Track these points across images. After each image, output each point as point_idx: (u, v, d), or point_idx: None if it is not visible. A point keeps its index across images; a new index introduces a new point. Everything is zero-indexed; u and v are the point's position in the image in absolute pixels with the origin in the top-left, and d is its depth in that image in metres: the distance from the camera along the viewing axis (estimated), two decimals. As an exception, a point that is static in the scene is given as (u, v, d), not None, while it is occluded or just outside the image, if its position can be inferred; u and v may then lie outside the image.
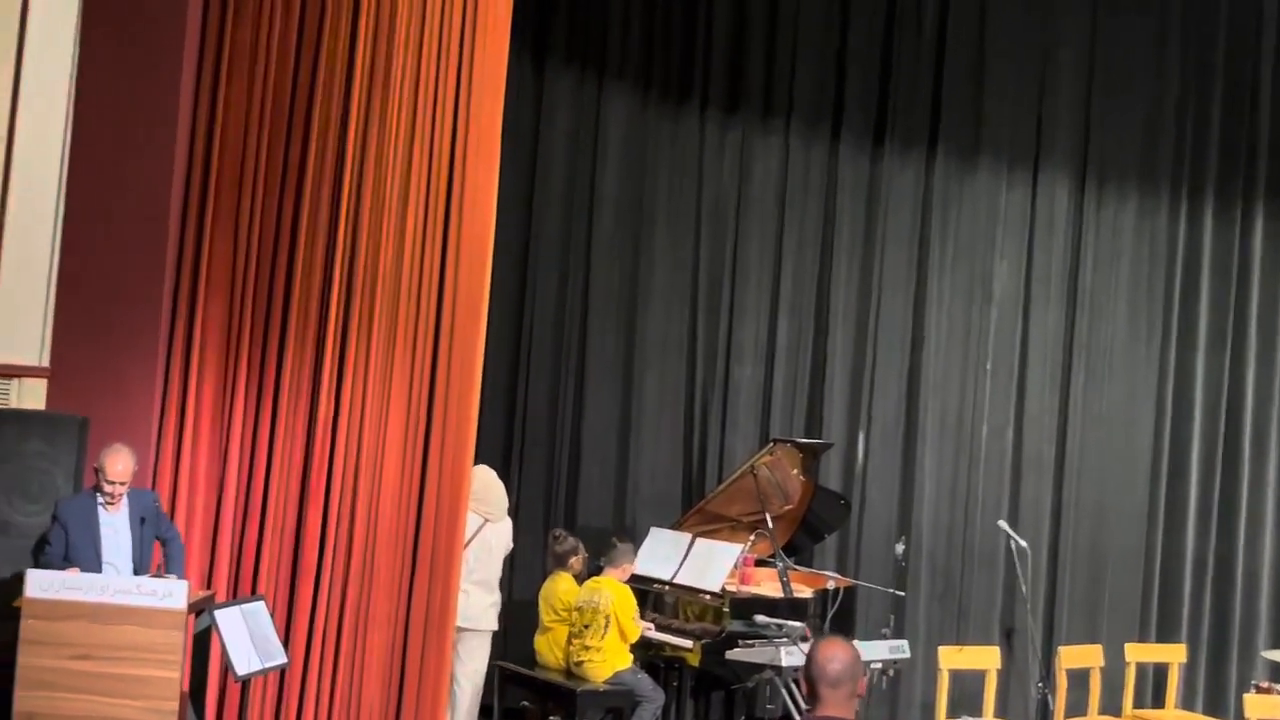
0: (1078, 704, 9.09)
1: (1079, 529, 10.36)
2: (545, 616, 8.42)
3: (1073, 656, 9.04)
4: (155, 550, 7.14)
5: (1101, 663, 9.13)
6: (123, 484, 6.86)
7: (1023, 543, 9.41)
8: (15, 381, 7.71)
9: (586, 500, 9.82)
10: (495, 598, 8.28)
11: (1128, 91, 10.50)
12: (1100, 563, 10.38)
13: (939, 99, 10.29)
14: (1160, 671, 9.72)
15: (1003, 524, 9.53)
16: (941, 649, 8.73)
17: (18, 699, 6.37)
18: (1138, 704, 9.43)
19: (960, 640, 9.76)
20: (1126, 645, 9.39)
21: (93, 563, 6.82)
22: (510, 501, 9.01)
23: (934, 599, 10.12)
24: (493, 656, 8.36)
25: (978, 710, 8.69)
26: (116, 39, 7.82)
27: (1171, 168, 10.61)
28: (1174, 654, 9.58)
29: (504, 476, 9.19)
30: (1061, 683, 8.89)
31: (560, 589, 8.41)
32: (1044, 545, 10.26)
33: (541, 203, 9.79)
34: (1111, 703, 9.23)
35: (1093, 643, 9.54)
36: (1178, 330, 10.59)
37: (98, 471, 6.88)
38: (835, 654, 4.19)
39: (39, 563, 6.78)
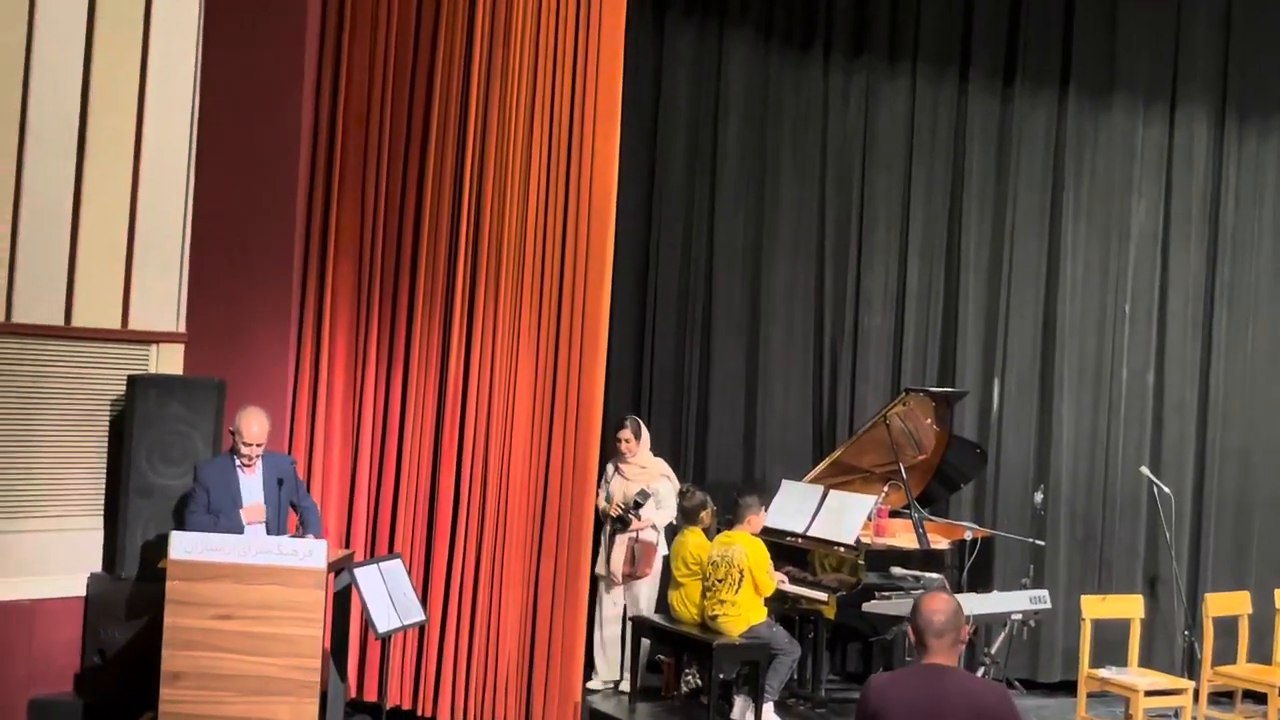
0: (1225, 652, 8.86)
1: (1224, 474, 10.08)
2: (677, 572, 8.40)
3: (1220, 604, 8.82)
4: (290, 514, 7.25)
5: (1250, 610, 8.90)
6: (259, 445, 6.98)
7: (1166, 489, 9.21)
8: (154, 347, 7.88)
9: (716, 454, 9.76)
10: None
11: (1269, 19, 10.09)
12: (1247, 508, 10.09)
13: (1070, 35, 9.99)
14: (1312, 619, 9.44)
15: (1145, 470, 9.34)
16: (1084, 598, 8.58)
17: (165, 658, 6.52)
18: (1288, 652, 9.18)
19: (1102, 589, 9.57)
20: (1276, 591, 9.12)
21: (236, 523, 6.95)
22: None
23: (1074, 548, 9.92)
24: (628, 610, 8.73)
25: (1122, 660, 8.52)
26: (240, 9, 7.91)
27: (1317, 99, 10.22)
28: (1326, 600, 9.31)
29: (633, 431, 9.26)
30: (1208, 631, 8.68)
31: (691, 544, 8.38)
32: (1188, 491, 9.99)
33: (664, 154, 9.72)
34: (1260, 651, 8.98)
35: (1240, 590, 9.29)
36: (1325, 267, 10.23)
37: (234, 434, 6.99)
38: (939, 607, 4.62)
39: (189, 523, 6.91)
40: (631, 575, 8.66)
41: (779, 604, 8.40)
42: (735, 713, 8.19)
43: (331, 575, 6.97)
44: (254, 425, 6.96)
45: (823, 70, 9.89)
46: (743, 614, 8.00)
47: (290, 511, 7.21)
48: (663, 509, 8.76)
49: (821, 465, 9.13)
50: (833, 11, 9.88)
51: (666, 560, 8.74)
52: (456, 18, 7.81)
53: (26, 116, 7.46)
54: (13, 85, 7.42)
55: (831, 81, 9.90)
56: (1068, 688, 9.09)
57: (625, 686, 8.65)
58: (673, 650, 8.66)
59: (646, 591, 8.75)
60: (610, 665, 8.82)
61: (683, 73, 9.76)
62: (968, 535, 8.66)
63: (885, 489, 8.92)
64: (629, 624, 8.70)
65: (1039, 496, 9.26)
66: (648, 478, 8.75)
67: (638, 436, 8.76)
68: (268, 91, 7.86)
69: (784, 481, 9.07)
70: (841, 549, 8.37)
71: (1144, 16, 10.02)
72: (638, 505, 8.59)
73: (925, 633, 4.60)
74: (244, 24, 7.91)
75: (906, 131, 9.94)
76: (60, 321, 7.61)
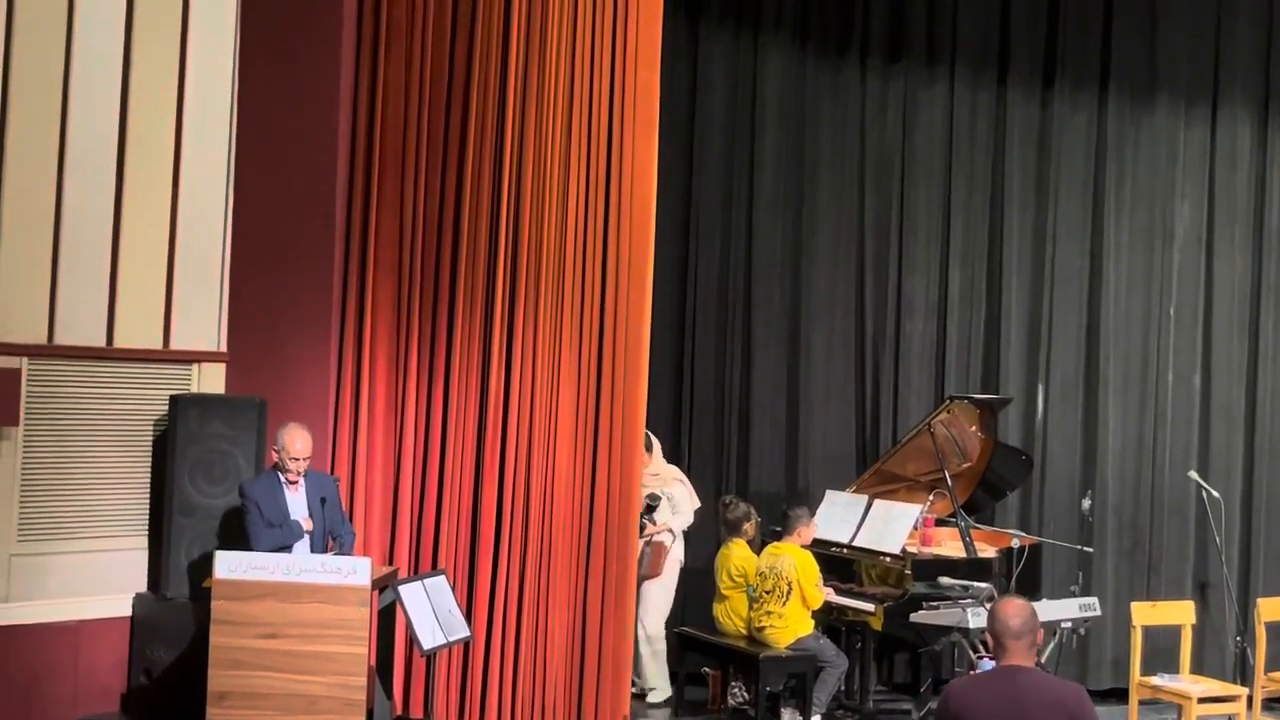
0: (1279, 658, 8.75)
1: (1273, 477, 9.97)
2: (722, 584, 8.36)
3: (1273, 609, 8.71)
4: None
5: (1304, 614, 8.80)
6: (305, 460, 7.00)
7: (1215, 493, 9.11)
8: (195, 366, 7.89)
9: (758, 465, 9.69)
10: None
11: (1312, 17, 10.00)
12: (1296, 511, 9.98)
13: (1109, 36, 9.90)
14: (1366, 623, 9.32)
15: (1193, 474, 9.25)
16: (1135, 605, 8.49)
17: (211, 678, 6.52)
18: (1343, 656, 9.06)
19: (1150, 596, 9.46)
20: (1330, 596, 9.02)
21: (296, 531, 6.97)
22: (681, 468, 9.05)
23: (1122, 554, 9.81)
24: (674, 623, 8.69)
25: (1172, 666, 8.43)
26: (276, 26, 7.92)
27: (1361, 97, 10.09)
28: (1381, 604, 9.18)
29: (673, 443, 9.23)
30: (1261, 636, 8.59)
31: (735, 556, 8.34)
32: (1236, 495, 9.87)
33: (702, 163, 9.66)
34: (1315, 656, 8.89)
35: (1292, 594, 9.18)
36: (1372, 267, 10.09)
37: (278, 451, 6.99)
38: (1015, 611, 4.79)
39: (256, 537, 6.89)
40: (640, 577, 8.56)
41: (825, 615, 8.35)
42: (782, 725, 8.15)
43: (376, 592, 6.95)
44: (298, 441, 6.97)
45: (859, 76, 9.82)
46: (790, 626, 7.95)
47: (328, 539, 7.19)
48: (679, 513, 8.76)
49: (865, 474, 9.07)
50: (869, 16, 9.81)
51: (698, 572, 8.70)
52: (492, 31, 7.79)
53: (66, 139, 7.48)
54: (52, 107, 7.45)
55: (869, 87, 9.83)
56: (1118, 695, 8.99)
57: (657, 697, 8.61)
58: (718, 663, 8.61)
59: (657, 594, 8.67)
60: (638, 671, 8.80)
61: (718, 81, 9.70)
62: (1015, 543, 8.57)
63: (930, 498, 8.85)
64: (656, 633, 8.67)
65: (1087, 503, 9.14)
66: (661, 484, 8.74)
67: (649, 450, 8.74)
68: (304, 108, 7.86)
69: (828, 491, 9.01)
70: (887, 559, 8.31)
71: (1184, 16, 9.93)
72: (650, 509, 8.57)
73: (1003, 635, 4.75)
74: (280, 41, 7.92)
75: (945, 136, 9.87)
76: (102, 343, 7.63)
